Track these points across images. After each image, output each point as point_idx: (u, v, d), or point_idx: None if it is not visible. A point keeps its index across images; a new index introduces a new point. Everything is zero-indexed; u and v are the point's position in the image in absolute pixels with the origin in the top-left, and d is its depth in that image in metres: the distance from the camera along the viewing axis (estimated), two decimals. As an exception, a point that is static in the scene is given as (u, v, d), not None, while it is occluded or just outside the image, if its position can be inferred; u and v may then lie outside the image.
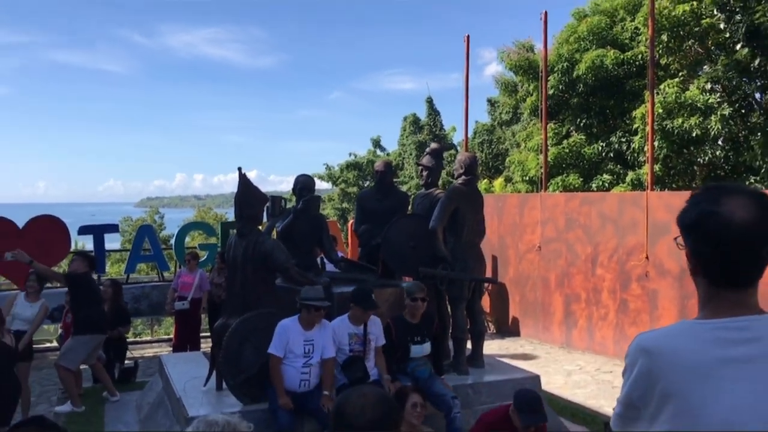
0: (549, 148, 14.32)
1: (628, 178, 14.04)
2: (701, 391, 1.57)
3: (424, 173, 7.76)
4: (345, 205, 27.02)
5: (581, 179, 14.81)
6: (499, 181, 18.53)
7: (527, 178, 15.96)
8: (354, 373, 5.78)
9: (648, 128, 11.10)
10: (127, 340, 10.17)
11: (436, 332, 6.44)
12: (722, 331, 1.61)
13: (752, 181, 12.96)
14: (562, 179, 14.85)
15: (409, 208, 8.21)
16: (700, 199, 1.66)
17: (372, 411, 1.97)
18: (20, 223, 10.93)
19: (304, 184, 7.43)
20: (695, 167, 14.20)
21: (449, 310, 7.35)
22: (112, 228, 12.36)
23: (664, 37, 13.62)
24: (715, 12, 13.38)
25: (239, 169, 6.35)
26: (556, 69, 15.17)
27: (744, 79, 13.39)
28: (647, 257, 9.85)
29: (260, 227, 6.62)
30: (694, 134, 12.84)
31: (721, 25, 13.37)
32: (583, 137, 15.30)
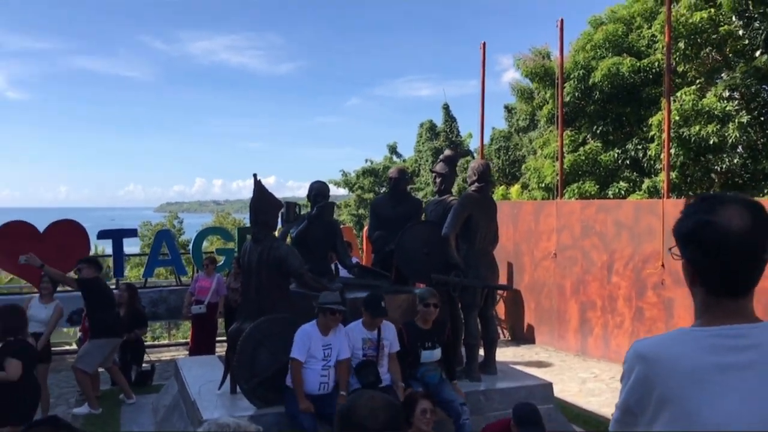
0: (565, 155, 14.30)
1: (644, 186, 13.98)
2: (697, 397, 1.59)
3: (438, 180, 7.80)
4: (361, 211, 27.09)
5: (597, 186, 14.76)
6: (515, 188, 18.51)
7: (543, 185, 15.94)
8: (366, 377, 5.83)
9: (664, 135, 11.07)
10: (145, 343, 10.28)
11: (448, 339, 6.48)
12: (719, 338, 1.63)
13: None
14: (578, 186, 14.81)
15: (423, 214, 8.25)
16: (696, 209, 1.68)
17: (384, 414, 2.02)
18: (42, 227, 11.11)
19: (318, 191, 7.50)
20: (713, 175, 14.10)
21: (462, 316, 7.38)
22: (131, 232, 12.52)
23: (681, 45, 13.56)
24: (734, 19, 13.31)
25: (254, 175, 6.44)
26: (572, 76, 15.15)
27: (763, 86, 13.29)
28: (663, 265, 9.82)
29: (275, 233, 6.69)
30: (711, 142, 12.75)
31: (740, 32, 13.29)
32: (599, 144, 15.26)
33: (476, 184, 7.35)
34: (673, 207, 9.89)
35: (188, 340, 11.27)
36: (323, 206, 7.36)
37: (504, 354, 11.03)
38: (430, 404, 4.75)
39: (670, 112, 11.15)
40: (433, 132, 26.74)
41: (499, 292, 11.73)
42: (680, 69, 14.13)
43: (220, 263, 11.71)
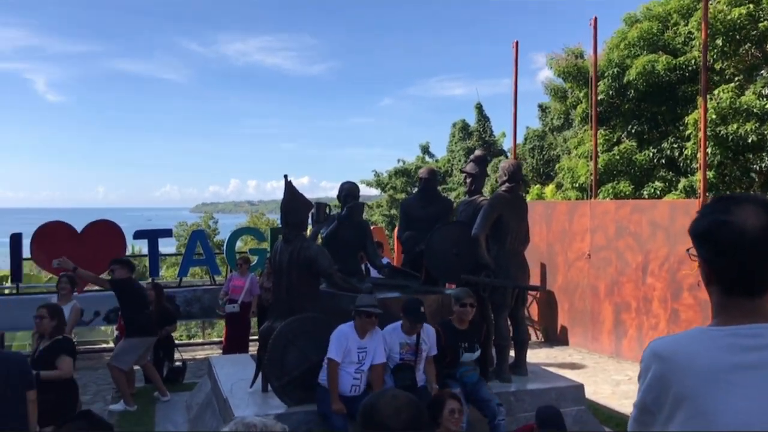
0: (599, 154, 14.14)
1: (680, 185, 13.75)
2: (713, 395, 1.58)
3: (468, 180, 7.78)
4: (393, 211, 27.09)
5: (632, 186, 14.55)
6: (550, 188, 18.34)
7: (577, 185, 15.77)
8: (403, 380, 5.83)
9: (701, 134, 10.88)
10: (177, 342, 10.44)
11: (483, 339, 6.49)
12: (735, 337, 1.63)
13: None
14: (613, 186, 14.63)
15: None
16: (711, 209, 1.69)
17: (406, 412, 2.04)
18: (80, 227, 11.34)
19: (348, 191, 7.54)
20: (753, 174, 13.81)
21: (492, 317, 7.35)
22: (166, 233, 12.71)
23: (719, 42, 13.31)
24: (774, 15, 13.04)
25: (285, 176, 6.50)
26: (606, 74, 14.97)
27: (804, 83, 13.00)
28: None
29: (305, 233, 6.75)
30: (750, 140, 12.50)
31: (780, 29, 13.01)
32: (634, 144, 15.05)
33: (506, 184, 7.32)
34: (710, 207, 9.70)
35: (222, 338, 11.41)
36: (353, 206, 7.40)
37: (537, 355, 10.95)
38: (458, 404, 4.75)
39: (706, 110, 10.95)
40: (466, 132, 26.61)
41: (532, 293, 11.65)
42: (718, 66, 13.86)
43: (254, 263, 11.83)
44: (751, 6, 13.17)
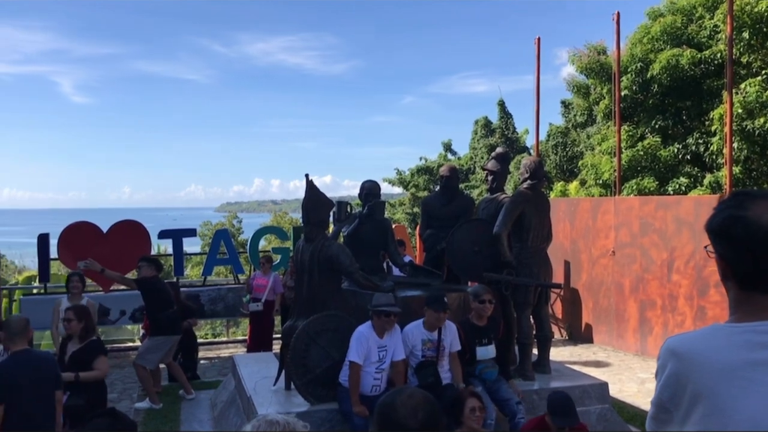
0: (623, 150, 14.00)
1: (706, 181, 13.56)
2: (730, 392, 1.57)
3: (490, 178, 7.76)
4: (415, 209, 27.06)
5: (657, 182, 14.38)
6: (574, 185, 18.21)
7: (601, 182, 15.63)
8: (425, 377, 5.84)
9: (726, 129, 10.73)
10: (201, 341, 10.51)
11: (501, 337, 6.46)
12: (752, 334, 1.61)
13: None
14: (637, 182, 14.47)
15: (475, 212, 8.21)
16: (727, 204, 1.68)
17: (423, 411, 2.04)
18: (106, 228, 11.48)
19: (369, 190, 7.56)
20: (781, 169, 13.59)
21: (515, 315, 7.33)
22: (190, 232, 12.83)
23: (745, 35, 13.09)
24: (802, 7, 12.80)
25: (306, 175, 6.53)
26: (629, 70, 14.81)
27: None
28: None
29: (327, 232, 6.77)
30: (777, 135, 12.30)
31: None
32: (658, 139, 14.86)
33: (528, 181, 7.29)
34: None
35: (246, 337, 11.50)
36: (374, 205, 7.42)
37: (561, 353, 10.89)
38: (479, 402, 4.75)
39: (732, 104, 10.80)
40: (489, 129, 26.49)
41: (556, 290, 11.58)
42: (744, 60, 13.63)
43: (277, 262, 11.90)
44: (779, -2, 12.95)
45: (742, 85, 13.00)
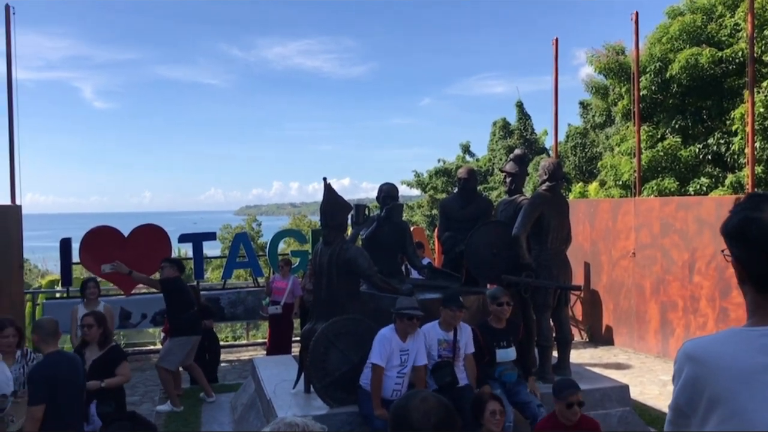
0: (643, 151, 13.89)
1: (727, 181, 13.42)
2: (747, 396, 1.56)
3: (508, 180, 7.73)
4: (434, 211, 27.02)
5: (677, 183, 14.25)
6: (594, 186, 18.11)
7: (620, 183, 15.52)
8: (442, 377, 5.84)
9: (748, 128, 10.61)
10: (226, 342, 10.56)
11: (521, 339, 6.44)
12: None
13: None
14: (657, 183, 14.35)
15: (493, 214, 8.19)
16: (742, 207, 1.67)
17: (436, 415, 2.05)
18: (127, 232, 11.58)
19: (387, 192, 7.56)
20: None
21: (534, 317, 7.29)
22: (210, 236, 12.90)
23: (767, 33, 12.95)
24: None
25: (324, 179, 6.56)
26: (648, 69, 14.69)
27: None
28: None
29: (345, 235, 6.79)
30: (800, 134, 12.14)
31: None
32: (678, 139, 14.73)
33: (547, 183, 7.26)
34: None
35: (266, 339, 11.55)
36: (392, 208, 7.42)
37: (581, 356, 10.82)
38: (499, 405, 4.74)
39: (753, 103, 10.67)
40: (507, 130, 26.40)
41: (576, 292, 11.51)
42: (766, 58, 13.48)
43: (296, 265, 11.94)
44: (800, -5, 12.80)
45: (764, 84, 12.86)
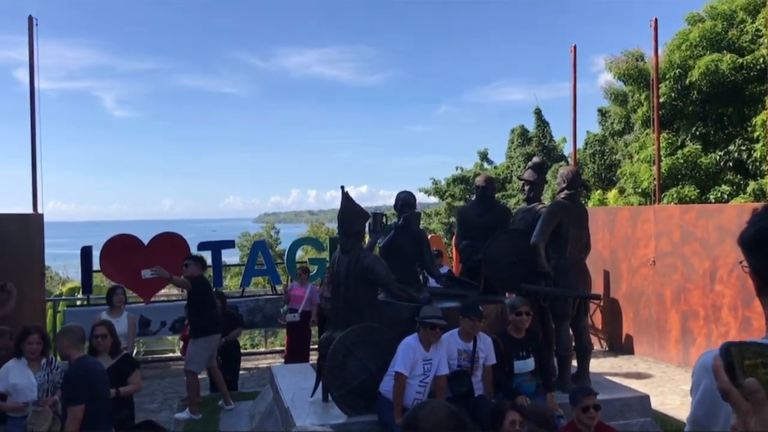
0: (663, 158, 13.78)
1: (749, 189, 13.27)
2: None
3: (526, 188, 7.70)
4: (452, 219, 26.95)
5: (698, 191, 14.12)
6: (613, 193, 18.00)
7: (640, 190, 15.40)
8: (459, 387, 5.82)
9: (770, 135, 10.51)
10: (244, 350, 10.57)
11: (540, 348, 6.39)
12: None
13: None
14: (677, 191, 14.22)
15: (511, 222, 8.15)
16: (760, 217, 1.63)
17: (445, 426, 2.04)
18: (147, 240, 11.67)
19: (404, 200, 7.55)
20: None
21: (553, 326, 7.24)
22: (229, 244, 12.97)
23: (789, 38, 12.84)
24: None
25: (342, 187, 6.57)
26: (667, 76, 14.60)
27: None
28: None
29: (363, 243, 6.79)
30: (823, 141, 11.99)
31: None
32: (698, 147, 14.61)
33: (566, 191, 7.22)
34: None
35: (284, 347, 11.56)
36: (410, 216, 7.40)
37: (601, 365, 10.72)
38: (519, 416, 4.70)
39: (775, 110, 10.56)
40: (525, 137, 26.30)
41: (595, 301, 11.42)
42: (788, 64, 13.35)
43: (314, 272, 11.97)
44: (822, 0, 12.66)
45: (786, 90, 12.72)
